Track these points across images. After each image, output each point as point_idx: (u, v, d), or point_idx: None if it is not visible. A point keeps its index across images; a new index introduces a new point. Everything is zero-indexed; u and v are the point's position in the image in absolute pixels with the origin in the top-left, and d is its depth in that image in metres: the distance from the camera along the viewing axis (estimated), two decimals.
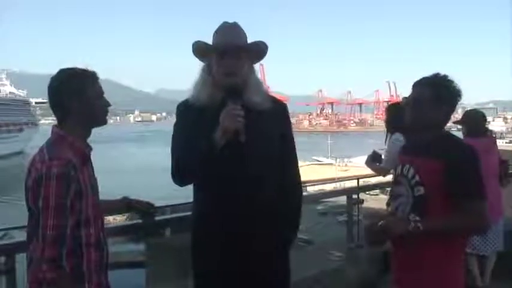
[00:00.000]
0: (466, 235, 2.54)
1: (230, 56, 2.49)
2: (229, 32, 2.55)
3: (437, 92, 2.40)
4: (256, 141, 2.45)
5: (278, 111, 2.64)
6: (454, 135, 2.52)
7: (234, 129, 2.38)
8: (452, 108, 2.45)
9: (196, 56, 2.62)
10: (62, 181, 2.04)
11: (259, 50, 2.61)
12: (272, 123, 2.55)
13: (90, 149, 2.30)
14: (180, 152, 2.54)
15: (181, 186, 2.58)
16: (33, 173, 2.09)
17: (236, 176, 2.45)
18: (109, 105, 2.34)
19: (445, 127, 2.52)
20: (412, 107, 2.47)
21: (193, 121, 2.51)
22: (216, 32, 2.57)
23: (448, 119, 2.48)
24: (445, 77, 2.44)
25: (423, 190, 2.36)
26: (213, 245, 2.53)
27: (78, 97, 2.20)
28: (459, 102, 2.49)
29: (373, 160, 4.79)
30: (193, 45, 2.58)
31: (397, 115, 4.62)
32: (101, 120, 2.33)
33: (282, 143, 2.62)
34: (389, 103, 5.38)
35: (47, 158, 2.08)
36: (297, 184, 2.75)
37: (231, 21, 2.60)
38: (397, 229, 2.27)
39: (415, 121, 2.47)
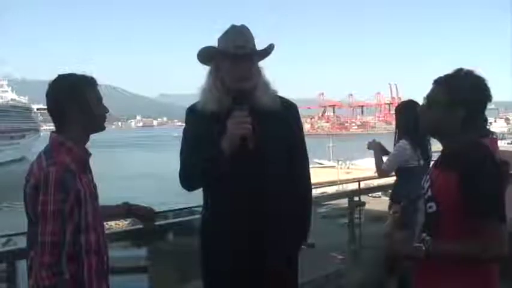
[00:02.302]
0: (485, 264, 2.08)
1: (243, 60, 2.47)
2: (241, 36, 2.51)
3: (449, 92, 2.04)
4: (265, 143, 2.45)
5: (288, 112, 2.63)
6: (479, 144, 2.11)
7: (240, 136, 2.37)
8: (473, 113, 2.06)
9: (201, 60, 2.59)
10: (60, 187, 2.04)
11: (268, 53, 2.60)
12: (281, 124, 2.53)
13: (89, 154, 2.30)
14: (188, 158, 2.55)
15: (189, 190, 2.59)
16: (32, 180, 2.09)
17: (246, 176, 2.45)
18: (107, 111, 2.34)
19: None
20: (427, 109, 2.13)
21: (202, 126, 2.51)
22: (226, 34, 2.53)
23: (469, 124, 2.06)
24: (464, 74, 2.07)
25: (435, 207, 2.05)
26: (224, 244, 2.54)
27: (76, 103, 2.19)
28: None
29: (381, 150, 4.75)
30: (201, 49, 2.55)
31: (411, 117, 4.24)
32: (99, 126, 2.33)
33: (292, 143, 2.62)
34: (401, 102, 4.95)
35: (45, 165, 2.08)
36: (306, 184, 2.75)
37: (229, 23, 2.57)
38: (401, 248, 2.06)
39: (429, 126, 2.17)
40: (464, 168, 1.98)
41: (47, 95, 2.23)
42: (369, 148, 4.86)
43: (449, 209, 2.01)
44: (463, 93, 2.03)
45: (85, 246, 2.16)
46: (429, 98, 2.13)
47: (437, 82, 2.12)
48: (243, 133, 2.37)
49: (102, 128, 2.34)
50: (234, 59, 2.47)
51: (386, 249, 2.18)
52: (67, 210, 2.06)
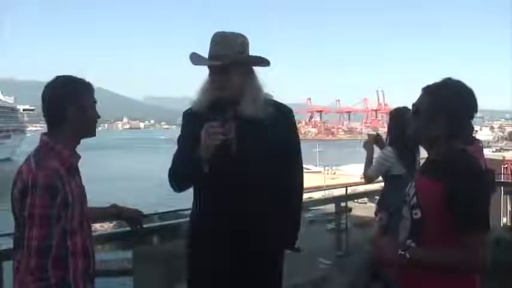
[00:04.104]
0: (464, 274, 2.06)
1: (217, 71, 2.48)
2: (217, 46, 2.51)
3: (434, 100, 2.07)
4: (248, 149, 2.46)
5: (280, 117, 2.61)
6: (465, 154, 2.10)
7: (212, 147, 2.37)
8: (457, 122, 2.07)
9: None
10: (48, 191, 2.01)
11: (251, 62, 2.58)
12: (272, 130, 2.51)
13: (79, 157, 2.27)
14: (176, 160, 2.58)
15: (176, 191, 2.61)
16: (19, 183, 2.06)
17: (228, 181, 2.47)
18: (99, 117, 2.30)
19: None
20: (413, 116, 2.16)
21: (192, 129, 2.51)
22: (210, 43, 2.55)
23: (453, 133, 2.08)
24: (450, 83, 2.09)
25: (420, 214, 2.06)
26: (209, 244, 2.55)
27: (73, 106, 2.17)
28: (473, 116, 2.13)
29: (376, 142, 4.73)
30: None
31: (401, 125, 4.18)
32: (91, 131, 2.30)
33: (285, 148, 2.61)
34: (393, 109, 4.90)
35: (33, 168, 2.05)
36: (297, 187, 2.77)
37: (215, 29, 2.59)
38: (385, 255, 2.09)
39: (414, 133, 2.19)
40: (448, 177, 1.98)
41: (43, 96, 2.19)
42: (364, 147, 4.79)
43: (434, 216, 2.01)
44: (447, 102, 2.04)
45: (71, 248, 2.14)
46: (415, 105, 2.15)
47: (424, 90, 2.13)
48: (214, 143, 2.37)
49: (93, 133, 2.31)
50: (210, 69, 2.52)
51: (372, 255, 2.19)
52: (54, 215, 2.03)
